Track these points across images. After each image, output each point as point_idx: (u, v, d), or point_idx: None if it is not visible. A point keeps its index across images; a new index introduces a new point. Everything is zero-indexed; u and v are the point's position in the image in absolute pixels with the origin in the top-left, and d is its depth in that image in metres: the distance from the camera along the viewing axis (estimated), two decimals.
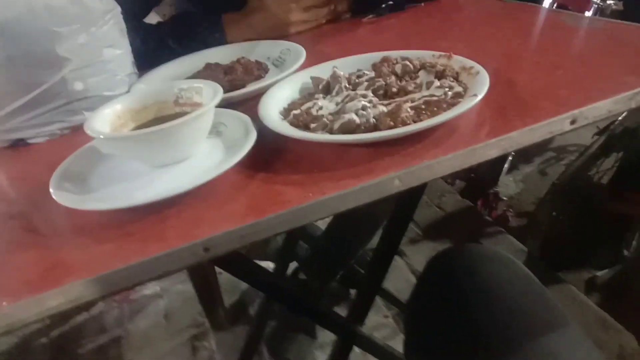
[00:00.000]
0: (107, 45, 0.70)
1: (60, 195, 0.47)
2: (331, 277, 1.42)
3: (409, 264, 1.68)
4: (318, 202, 0.42)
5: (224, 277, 1.62)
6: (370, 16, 0.97)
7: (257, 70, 0.74)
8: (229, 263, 0.95)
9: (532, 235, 1.69)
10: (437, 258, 0.66)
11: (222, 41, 0.90)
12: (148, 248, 0.40)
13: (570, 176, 1.60)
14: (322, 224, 1.51)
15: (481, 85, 0.49)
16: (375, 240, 1.35)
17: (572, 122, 0.48)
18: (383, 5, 0.97)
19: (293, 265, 1.51)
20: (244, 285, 1.68)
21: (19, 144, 0.69)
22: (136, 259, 0.39)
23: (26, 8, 0.63)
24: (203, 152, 0.53)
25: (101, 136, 0.48)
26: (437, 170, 0.44)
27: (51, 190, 0.48)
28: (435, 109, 0.48)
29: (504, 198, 1.97)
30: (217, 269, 1.54)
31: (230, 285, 1.67)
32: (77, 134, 0.69)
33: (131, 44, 0.77)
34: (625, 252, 1.51)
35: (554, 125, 0.47)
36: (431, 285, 0.64)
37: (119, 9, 0.73)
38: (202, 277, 1.46)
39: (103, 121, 0.52)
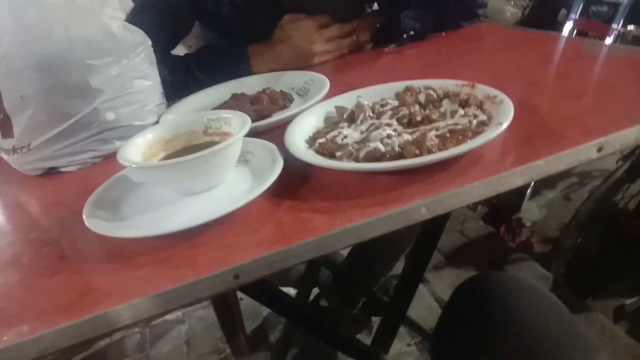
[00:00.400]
0: (137, 77, 0.72)
1: (94, 222, 0.48)
2: (353, 303, 1.41)
3: (431, 291, 1.66)
4: (345, 229, 0.43)
5: (245, 303, 1.62)
6: (392, 46, 0.99)
7: (282, 100, 0.75)
8: (251, 288, 0.95)
9: (557, 262, 1.66)
10: (462, 287, 0.65)
11: (247, 72, 0.93)
12: (180, 274, 0.41)
13: (595, 202, 1.58)
14: (344, 250, 1.50)
15: (506, 113, 0.50)
16: (398, 267, 1.34)
17: (599, 150, 0.48)
18: (404, 36, 0.98)
19: (315, 291, 1.51)
20: (265, 312, 1.67)
21: (51, 172, 0.71)
22: (168, 286, 0.40)
23: (66, 42, 0.66)
24: (232, 180, 0.54)
25: (133, 165, 0.50)
26: (464, 198, 0.44)
27: (84, 217, 0.49)
28: (460, 137, 0.49)
29: (527, 224, 1.94)
30: (239, 295, 1.54)
31: (251, 312, 1.67)
32: (108, 162, 0.71)
33: (160, 75, 0.80)
34: None
35: (580, 153, 0.47)
36: (457, 314, 0.64)
37: (149, 42, 0.76)
38: (223, 303, 1.46)
39: (135, 150, 0.53)
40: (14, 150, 0.70)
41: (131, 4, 0.91)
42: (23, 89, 0.66)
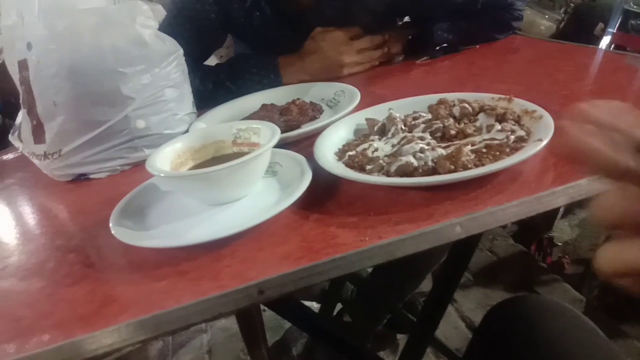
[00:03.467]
0: (168, 86, 0.72)
1: (119, 231, 0.48)
2: (377, 320, 1.38)
3: (458, 310, 1.62)
4: (375, 247, 0.41)
5: (268, 315, 1.60)
6: (424, 58, 0.97)
7: (312, 111, 0.74)
8: (274, 302, 0.93)
9: (590, 284, 1.60)
10: (495, 310, 0.62)
11: (277, 83, 0.92)
12: (202, 288, 0.40)
13: None
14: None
15: (546, 129, 0.47)
16: (425, 284, 1.31)
17: None
18: (437, 48, 0.96)
19: (339, 306, 1.48)
20: (287, 324, 1.65)
21: (81, 179, 0.72)
22: (190, 299, 0.39)
23: (93, 50, 0.66)
24: (258, 192, 0.53)
25: (161, 174, 0.49)
26: (501, 217, 0.42)
27: (111, 225, 0.49)
28: (497, 153, 0.47)
29: (559, 243, 1.88)
30: (261, 306, 1.52)
31: (274, 324, 1.65)
32: (136, 170, 0.71)
33: (191, 85, 0.80)
34: None
35: None
36: (489, 338, 0.61)
37: (181, 51, 0.76)
38: (246, 313, 1.44)
39: (163, 159, 0.53)
40: (45, 156, 0.71)
41: (164, 13, 0.92)
42: (55, 95, 0.66)
